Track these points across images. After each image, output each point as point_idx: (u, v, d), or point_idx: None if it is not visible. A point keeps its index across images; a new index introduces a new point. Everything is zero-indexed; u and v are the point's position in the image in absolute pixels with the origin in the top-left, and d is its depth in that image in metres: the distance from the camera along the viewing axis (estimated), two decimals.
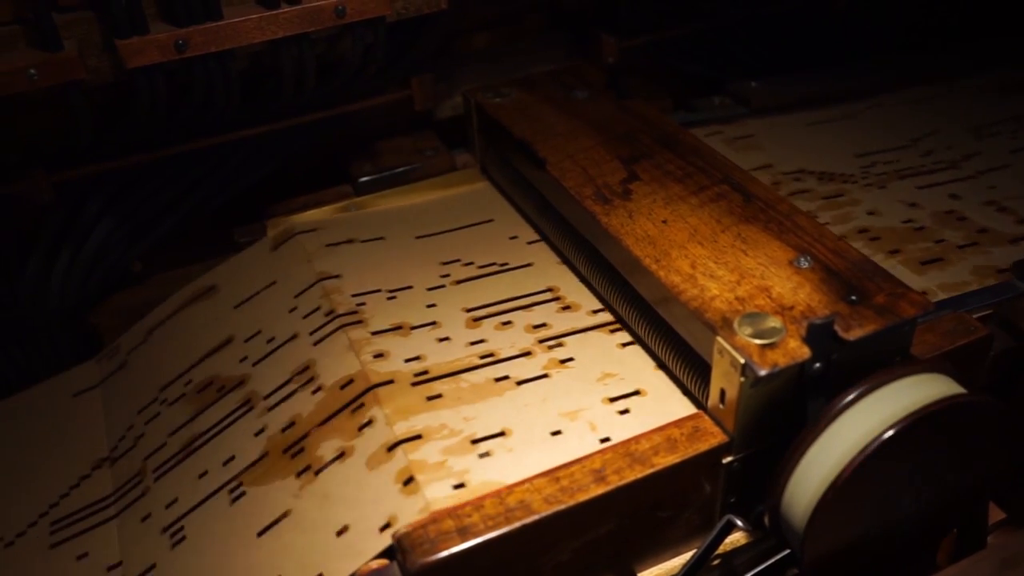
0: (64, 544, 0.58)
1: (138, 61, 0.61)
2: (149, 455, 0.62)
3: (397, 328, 0.62)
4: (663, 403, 0.55)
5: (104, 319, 0.76)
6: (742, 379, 0.47)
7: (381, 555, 0.47)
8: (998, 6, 1.06)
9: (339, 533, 0.50)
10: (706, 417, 0.51)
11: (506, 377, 0.58)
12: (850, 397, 0.47)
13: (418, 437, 0.53)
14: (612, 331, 0.61)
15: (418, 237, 0.73)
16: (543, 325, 0.62)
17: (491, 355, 0.59)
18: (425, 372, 0.58)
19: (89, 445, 0.65)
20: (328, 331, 0.63)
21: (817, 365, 0.48)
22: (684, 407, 0.54)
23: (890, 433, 0.45)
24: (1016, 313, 0.62)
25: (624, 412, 0.55)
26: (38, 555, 0.58)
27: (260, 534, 0.53)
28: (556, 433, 0.53)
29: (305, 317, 0.65)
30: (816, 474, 0.47)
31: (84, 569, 0.56)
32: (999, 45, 1.03)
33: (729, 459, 0.50)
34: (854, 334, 0.48)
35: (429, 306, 0.64)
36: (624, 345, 0.60)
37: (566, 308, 0.64)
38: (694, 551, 0.52)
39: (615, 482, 0.48)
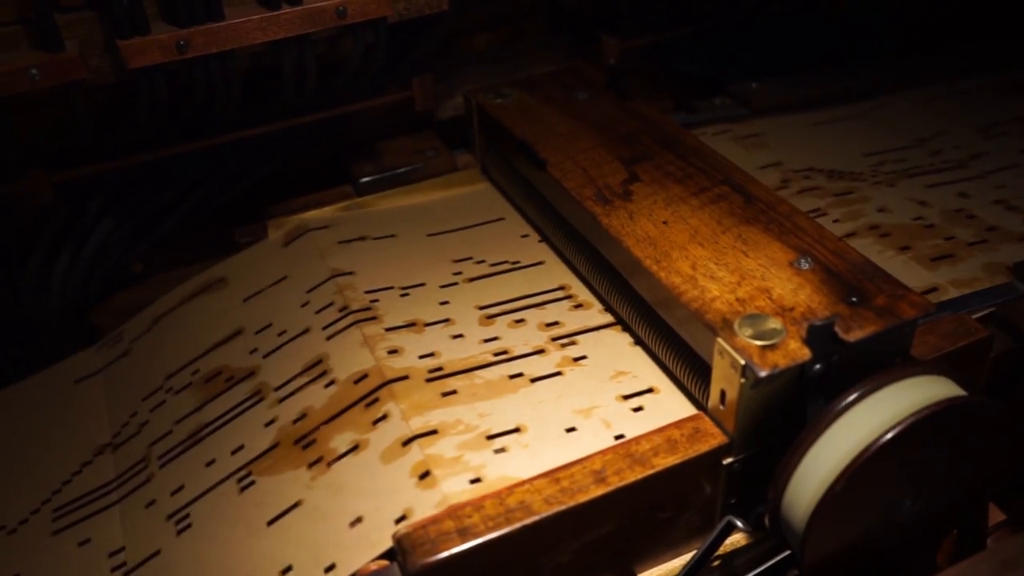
0: (66, 531, 0.58)
1: (139, 61, 0.61)
2: (154, 442, 0.62)
3: (411, 325, 0.63)
4: (677, 400, 0.55)
5: (105, 319, 0.76)
6: (742, 380, 0.47)
7: (382, 556, 0.48)
8: (997, 7, 1.06)
9: (352, 524, 0.50)
10: (706, 418, 0.51)
11: (520, 375, 0.58)
12: (850, 398, 0.47)
13: (434, 432, 0.53)
14: (624, 329, 0.62)
15: (429, 235, 0.74)
16: (556, 323, 0.62)
17: (505, 352, 0.60)
18: (439, 368, 0.59)
19: (91, 431, 0.65)
20: (341, 326, 0.63)
21: (817, 366, 0.48)
22: (697, 404, 0.55)
23: (890, 435, 0.45)
24: (1016, 314, 0.62)
25: (638, 409, 0.55)
26: (40, 542, 0.58)
27: (270, 523, 0.53)
28: (571, 430, 0.53)
29: (318, 312, 0.66)
30: (816, 475, 0.47)
31: (86, 555, 0.56)
32: (999, 46, 1.03)
33: (729, 460, 0.50)
34: (854, 335, 0.48)
35: (442, 303, 0.65)
36: (636, 343, 0.60)
37: (578, 306, 0.64)
38: (694, 552, 0.52)
39: (615, 483, 0.48)
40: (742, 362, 0.47)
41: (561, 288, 0.66)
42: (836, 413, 0.47)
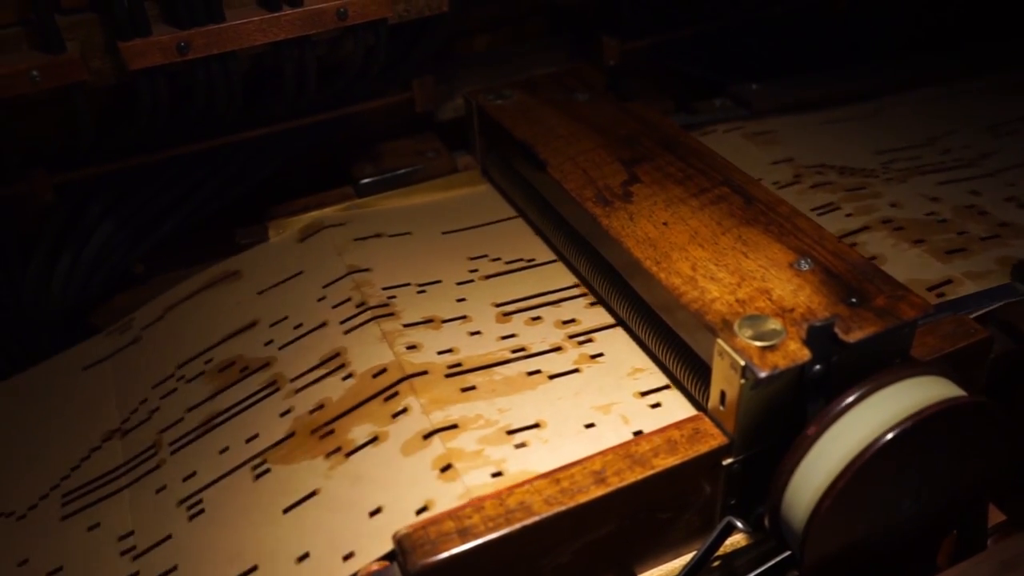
0: (75, 516, 0.58)
1: (140, 63, 0.61)
2: (164, 429, 0.62)
3: (428, 321, 0.63)
4: (693, 396, 0.55)
5: (105, 320, 0.76)
6: (742, 381, 0.47)
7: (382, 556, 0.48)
8: (997, 9, 1.06)
9: (372, 514, 0.50)
10: (706, 419, 0.51)
11: (538, 371, 0.59)
12: (850, 399, 0.47)
13: (454, 427, 0.54)
14: None
15: (444, 233, 0.74)
16: (572, 321, 0.63)
17: (522, 349, 0.60)
18: (458, 364, 0.59)
19: (99, 418, 0.65)
20: (359, 322, 0.64)
21: (817, 367, 0.48)
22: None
23: (890, 435, 0.45)
24: (1016, 316, 0.62)
25: (656, 406, 0.55)
26: (50, 527, 0.58)
27: (286, 511, 0.53)
28: (590, 426, 0.54)
29: (335, 307, 0.66)
30: (816, 476, 0.47)
31: (96, 539, 0.56)
32: (998, 48, 1.03)
33: (729, 461, 0.50)
34: (854, 336, 0.48)
35: (459, 300, 0.66)
36: None
37: (594, 304, 0.65)
38: (694, 553, 0.52)
39: (615, 484, 0.48)
40: (742, 363, 0.47)
41: (576, 286, 0.67)
42: (836, 414, 0.47)
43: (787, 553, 0.51)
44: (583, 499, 0.47)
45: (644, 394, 0.56)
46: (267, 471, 0.56)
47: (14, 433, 0.66)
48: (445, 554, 0.44)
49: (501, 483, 0.49)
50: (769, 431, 0.50)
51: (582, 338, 0.61)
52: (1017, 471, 0.55)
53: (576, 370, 0.59)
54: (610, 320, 0.63)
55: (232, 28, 0.63)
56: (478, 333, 0.62)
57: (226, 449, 0.59)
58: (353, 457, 0.54)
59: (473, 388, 0.57)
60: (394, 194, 0.80)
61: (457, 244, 0.73)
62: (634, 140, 0.70)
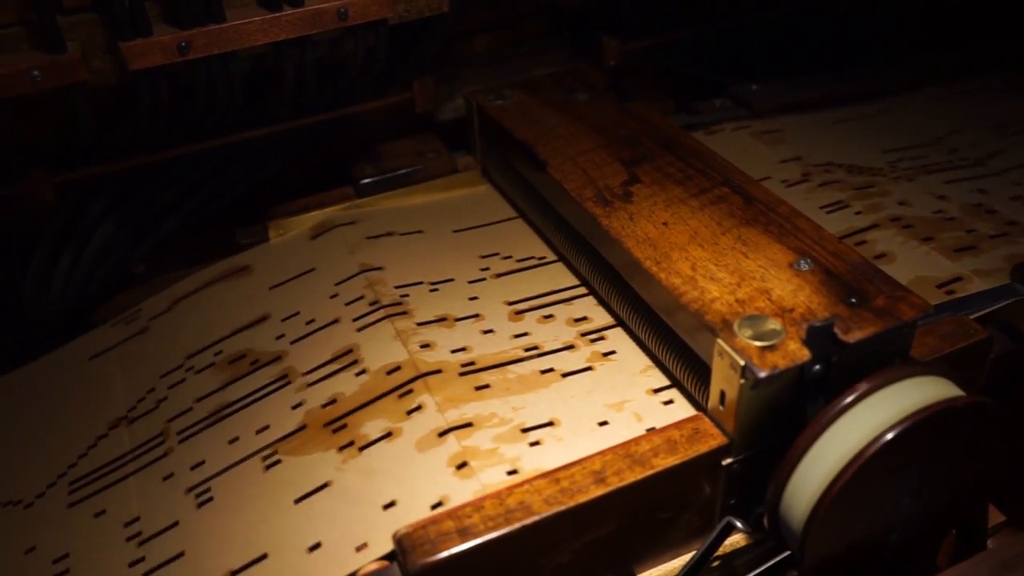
0: (82, 503, 0.59)
1: (141, 63, 0.62)
2: (172, 418, 0.62)
3: (441, 320, 0.64)
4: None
5: (106, 320, 0.76)
6: (742, 381, 0.47)
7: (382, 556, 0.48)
8: (996, 10, 1.06)
9: (386, 507, 0.50)
10: (706, 419, 0.51)
11: (551, 369, 0.59)
12: (849, 399, 0.47)
13: (469, 425, 0.54)
14: None
15: (455, 231, 0.75)
16: (584, 319, 0.63)
17: (535, 348, 0.61)
18: (472, 363, 0.60)
19: (106, 406, 0.65)
20: (372, 320, 0.64)
21: (817, 367, 0.48)
22: None
23: (889, 435, 0.45)
24: (1016, 316, 0.62)
25: (668, 403, 0.56)
26: (56, 516, 0.58)
27: (297, 501, 0.53)
28: (603, 424, 0.54)
29: (347, 304, 0.67)
30: (815, 476, 0.47)
31: (101, 526, 0.56)
32: (998, 48, 1.03)
33: (729, 461, 0.50)
34: (854, 336, 0.48)
35: (471, 299, 0.66)
36: None
37: (604, 302, 0.65)
38: (694, 553, 0.52)
39: (615, 483, 0.48)
40: (742, 363, 0.47)
41: (587, 284, 0.67)
42: (835, 414, 0.47)
43: (787, 553, 0.51)
44: (583, 499, 0.47)
45: (657, 391, 0.57)
46: (278, 462, 0.56)
47: (21, 423, 0.66)
48: (445, 553, 0.44)
49: (517, 481, 0.50)
50: (769, 431, 0.50)
51: (594, 336, 0.62)
52: (1017, 471, 0.55)
53: (589, 368, 0.59)
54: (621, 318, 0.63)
55: (233, 28, 0.63)
56: (491, 331, 0.63)
57: (236, 439, 0.59)
58: (367, 451, 0.54)
59: (487, 387, 0.58)
60: (394, 194, 0.80)
61: (468, 242, 0.73)
62: (634, 140, 0.70)
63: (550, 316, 0.64)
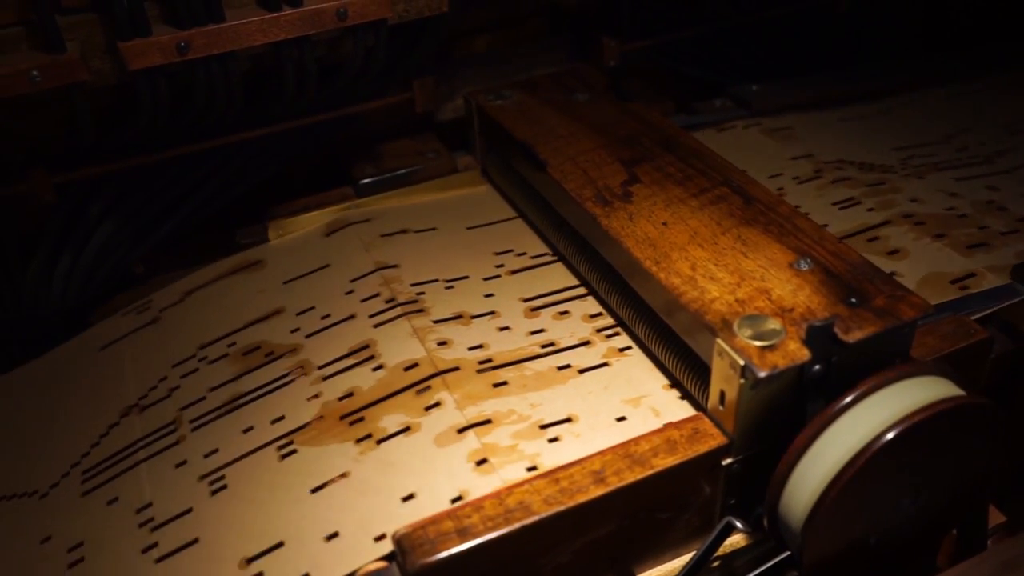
0: (95, 491, 0.59)
1: (140, 63, 0.61)
2: (185, 406, 0.62)
3: (458, 317, 0.64)
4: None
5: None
6: (742, 381, 0.47)
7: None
8: (995, 11, 1.06)
9: (405, 499, 0.51)
10: (706, 419, 0.51)
11: (568, 366, 0.59)
12: (849, 399, 0.47)
13: (488, 422, 0.55)
14: None
15: (469, 228, 0.75)
16: (599, 314, 0.64)
17: (552, 344, 0.61)
18: (489, 360, 0.60)
19: (118, 394, 0.65)
20: (389, 317, 0.65)
21: (817, 367, 0.48)
22: None
23: (889, 435, 0.45)
24: (1016, 316, 0.62)
25: (685, 397, 0.56)
26: (71, 504, 0.58)
27: (314, 491, 0.53)
28: (621, 419, 0.55)
29: (363, 301, 0.67)
30: (815, 476, 0.47)
31: (114, 513, 0.57)
32: (998, 50, 1.03)
33: (729, 461, 0.50)
34: (854, 336, 0.48)
35: (487, 296, 0.66)
36: None
37: None
38: (694, 553, 0.52)
39: (614, 483, 0.48)
40: (741, 363, 0.47)
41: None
42: (835, 414, 0.47)
43: (786, 553, 0.51)
44: (582, 499, 0.47)
45: (673, 386, 0.57)
46: (294, 452, 0.56)
47: (34, 415, 0.66)
48: (444, 554, 0.44)
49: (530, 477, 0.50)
50: (768, 431, 0.50)
51: (610, 331, 0.62)
52: (1017, 471, 0.55)
53: (605, 364, 0.59)
54: None
55: (232, 28, 0.63)
56: (507, 328, 0.63)
57: (250, 428, 0.59)
58: (384, 444, 0.55)
59: (505, 383, 0.58)
60: (394, 194, 0.80)
61: (482, 239, 0.73)
62: (634, 140, 0.70)
63: (565, 312, 0.64)
